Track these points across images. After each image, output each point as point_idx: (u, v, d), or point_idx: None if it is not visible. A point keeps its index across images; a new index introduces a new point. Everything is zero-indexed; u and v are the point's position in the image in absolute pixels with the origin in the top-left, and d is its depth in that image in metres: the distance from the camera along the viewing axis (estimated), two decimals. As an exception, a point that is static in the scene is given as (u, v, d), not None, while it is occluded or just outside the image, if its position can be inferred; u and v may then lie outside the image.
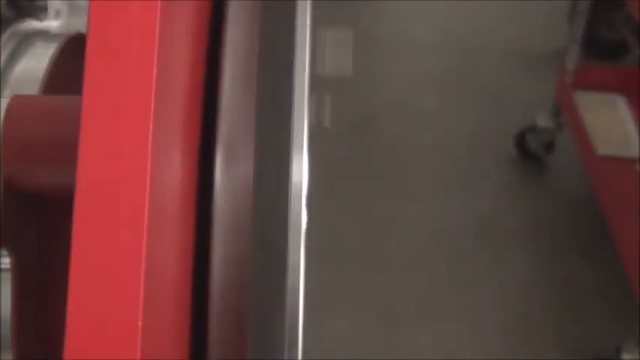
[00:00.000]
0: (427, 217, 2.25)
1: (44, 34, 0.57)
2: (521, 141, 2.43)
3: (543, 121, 2.40)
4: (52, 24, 0.59)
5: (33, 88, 0.52)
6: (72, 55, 0.54)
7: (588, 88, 2.28)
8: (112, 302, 0.32)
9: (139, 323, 0.31)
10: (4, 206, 0.42)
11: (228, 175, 0.40)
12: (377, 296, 2.02)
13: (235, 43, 0.42)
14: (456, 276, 2.08)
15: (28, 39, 0.56)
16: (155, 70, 0.33)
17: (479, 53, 2.91)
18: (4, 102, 0.44)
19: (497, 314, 2.00)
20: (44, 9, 0.59)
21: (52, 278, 0.45)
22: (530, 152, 2.43)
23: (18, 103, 0.44)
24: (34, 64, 0.54)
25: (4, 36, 0.55)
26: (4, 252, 0.43)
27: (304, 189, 0.40)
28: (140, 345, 0.31)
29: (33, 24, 0.58)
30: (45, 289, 0.46)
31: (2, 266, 0.44)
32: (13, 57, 0.54)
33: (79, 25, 0.60)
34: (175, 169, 0.38)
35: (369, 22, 3.07)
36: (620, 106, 2.26)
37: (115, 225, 0.32)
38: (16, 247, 0.44)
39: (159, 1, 0.34)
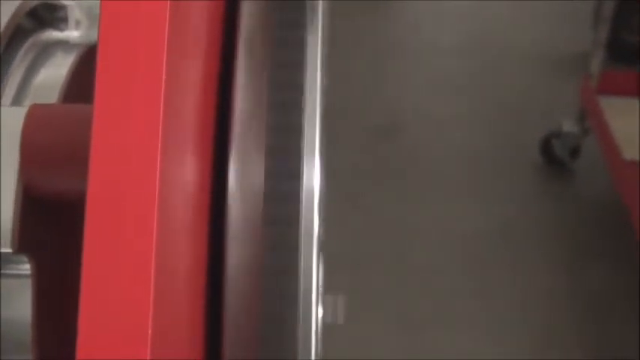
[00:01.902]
0: (451, 223, 2.24)
1: (64, 45, 0.58)
2: (546, 146, 2.42)
3: (569, 126, 2.39)
4: (72, 34, 0.60)
5: (53, 98, 0.53)
6: (91, 64, 0.54)
7: (613, 93, 2.27)
8: (122, 305, 0.33)
9: (149, 323, 0.32)
10: (23, 213, 0.43)
11: (242, 181, 0.41)
12: (398, 301, 2.02)
13: (249, 48, 0.43)
14: (478, 281, 2.08)
15: (48, 49, 0.57)
16: (164, 74, 0.34)
17: (502, 58, 2.91)
18: (23, 110, 0.45)
19: (520, 319, 1.99)
20: (64, 20, 0.60)
21: (71, 283, 0.46)
22: (556, 157, 2.42)
23: (36, 111, 0.45)
24: (54, 74, 0.55)
25: (25, 46, 0.55)
26: (24, 258, 0.44)
27: (317, 192, 0.41)
28: (150, 345, 0.32)
29: (53, 34, 0.59)
30: (65, 294, 0.46)
31: (22, 272, 0.45)
32: (34, 67, 0.55)
33: (99, 35, 0.61)
34: (187, 173, 0.38)
35: (391, 29, 3.07)
36: (646, 110, 2.24)
37: (124, 229, 0.33)
38: (36, 254, 0.44)
39: (168, 2, 0.34)
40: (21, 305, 0.45)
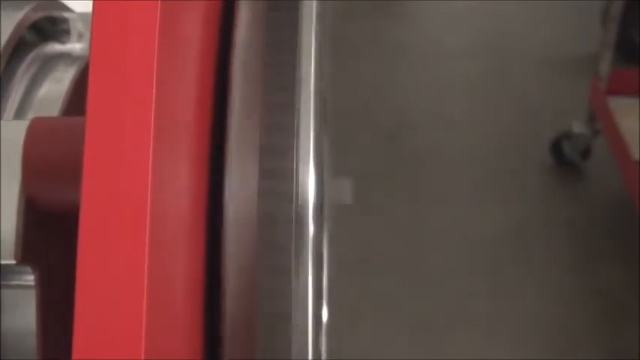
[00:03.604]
0: (462, 224, 2.24)
1: (67, 57, 0.59)
2: (556, 147, 2.42)
3: (579, 127, 2.39)
4: (74, 47, 0.61)
5: (55, 110, 0.54)
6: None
7: (622, 94, 2.26)
8: (116, 306, 0.33)
9: (143, 324, 0.33)
10: (25, 224, 0.44)
11: (238, 182, 0.41)
12: (412, 305, 2.02)
13: (243, 53, 0.43)
14: (491, 284, 2.08)
15: (51, 62, 0.57)
16: (155, 81, 0.34)
17: (511, 59, 2.91)
18: (25, 124, 0.45)
19: (534, 319, 1.99)
20: (67, 32, 0.61)
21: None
22: (566, 158, 2.41)
23: (37, 124, 0.45)
24: (57, 87, 0.56)
25: (27, 59, 0.56)
26: (27, 269, 0.45)
27: (311, 194, 0.41)
28: (144, 346, 0.33)
29: (56, 47, 0.60)
30: (69, 304, 0.47)
31: (25, 283, 0.45)
32: (36, 80, 0.56)
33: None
34: (182, 176, 0.39)
35: (401, 31, 3.08)
36: (655, 110, 2.24)
37: (117, 233, 0.34)
38: (39, 264, 0.45)
39: (159, 2, 0.35)
40: (24, 316, 0.45)
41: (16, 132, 0.45)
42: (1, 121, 0.47)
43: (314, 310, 0.40)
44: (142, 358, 0.33)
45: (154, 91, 0.35)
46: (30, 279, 0.45)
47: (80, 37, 0.62)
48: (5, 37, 0.53)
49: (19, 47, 0.55)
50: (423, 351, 1.90)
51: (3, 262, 0.43)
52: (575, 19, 3.07)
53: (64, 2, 0.62)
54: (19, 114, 0.53)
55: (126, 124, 0.34)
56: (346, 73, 2.71)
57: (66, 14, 0.61)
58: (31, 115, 0.53)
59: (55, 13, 0.60)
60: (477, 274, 2.10)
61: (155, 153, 0.34)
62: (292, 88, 0.42)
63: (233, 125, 0.42)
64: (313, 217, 0.41)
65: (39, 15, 0.57)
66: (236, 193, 0.42)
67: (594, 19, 2.73)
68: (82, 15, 0.62)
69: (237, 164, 0.42)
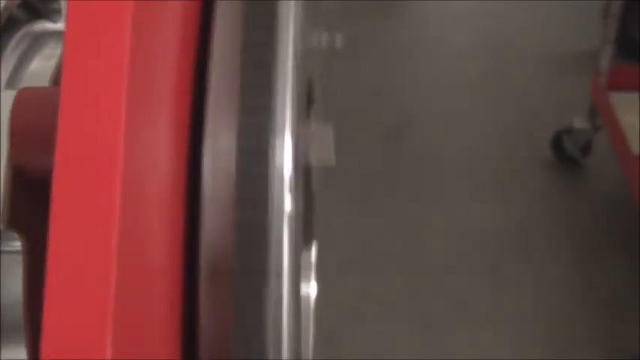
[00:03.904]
0: (463, 222, 2.24)
1: (57, 35, 0.59)
2: (557, 143, 2.42)
3: (580, 122, 2.39)
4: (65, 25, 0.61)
5: (45, 85, 0.54)
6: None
7: (623, 89, 2.26)
8: (83, 303, 0.32)
9: (109, 322, 0.32)
10: (12, 192, 0.44)
11: (214, 161, 0.41)
12: (412, 304, 2.02)
13: (222, 27, 0.43)
14: (491, 283, 2.07)
15: (41, 39, 0.58)
16: (129, 50, 0.34)
17: (512, 57, 2.91)
18: (12, 94, 0.46)
19: (535, 317, 1.98)
20: (58, 11, 0.61)
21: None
22: (567, 154, 2.41)
23: (25, 94, 0.46)
24: (47, 64, 0.56)
25: (17, 36, 0.57)
26: (15, 235, 0.45)
27: (287, 170, 0.41)
28: (110, 344, 0.32)
29: (47, 25, 0.60)
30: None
31: (13, 249, 0.46)
32: (26, 56, 0.56)
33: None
34: (160, 153, 0.39)
35: (401, 31, 3.08)
36: (656, 106, 2.24)
37: (87, 208, 0.33)
38: (27, 232, 0.45)
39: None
40: (17, 283, 0.46)
41: (4, 101, 0.45)
42: (-10, 92, 0.47)
43: (291, 306, 0.40)
44: (109, 358, 0.32)
45: (127, 56, 0.35)
46: (17, 245, 0.45)
47: (71, 16, 0.62)
48: (-5, 15, 0.53)
49: (9, 24, 0.56)
50: (423, 351, 1.89)
51: None
52: (575, 18, 3.07)
53: (55, -18, 0.62)
54: (9, 87, 0.53)
55: (100, 89, 0.34)
56: (346, 73, 2.71)
57: (57, -7, 0.61)
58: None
59: (46, -8, 0.60)
60: (477, 274, 2.10)
61: (128, 120, 0.34)
62: (271, 67, 0.42)
63: (212, 95, 0.42)
64: (291, 193, 0.40)
65: (29, -7, 0.57)
66: (215, 164, 0.41)
67: (594, 19, 2.73)
68: (73, -6, 0.62)
69: (215, 138, 0.41)
